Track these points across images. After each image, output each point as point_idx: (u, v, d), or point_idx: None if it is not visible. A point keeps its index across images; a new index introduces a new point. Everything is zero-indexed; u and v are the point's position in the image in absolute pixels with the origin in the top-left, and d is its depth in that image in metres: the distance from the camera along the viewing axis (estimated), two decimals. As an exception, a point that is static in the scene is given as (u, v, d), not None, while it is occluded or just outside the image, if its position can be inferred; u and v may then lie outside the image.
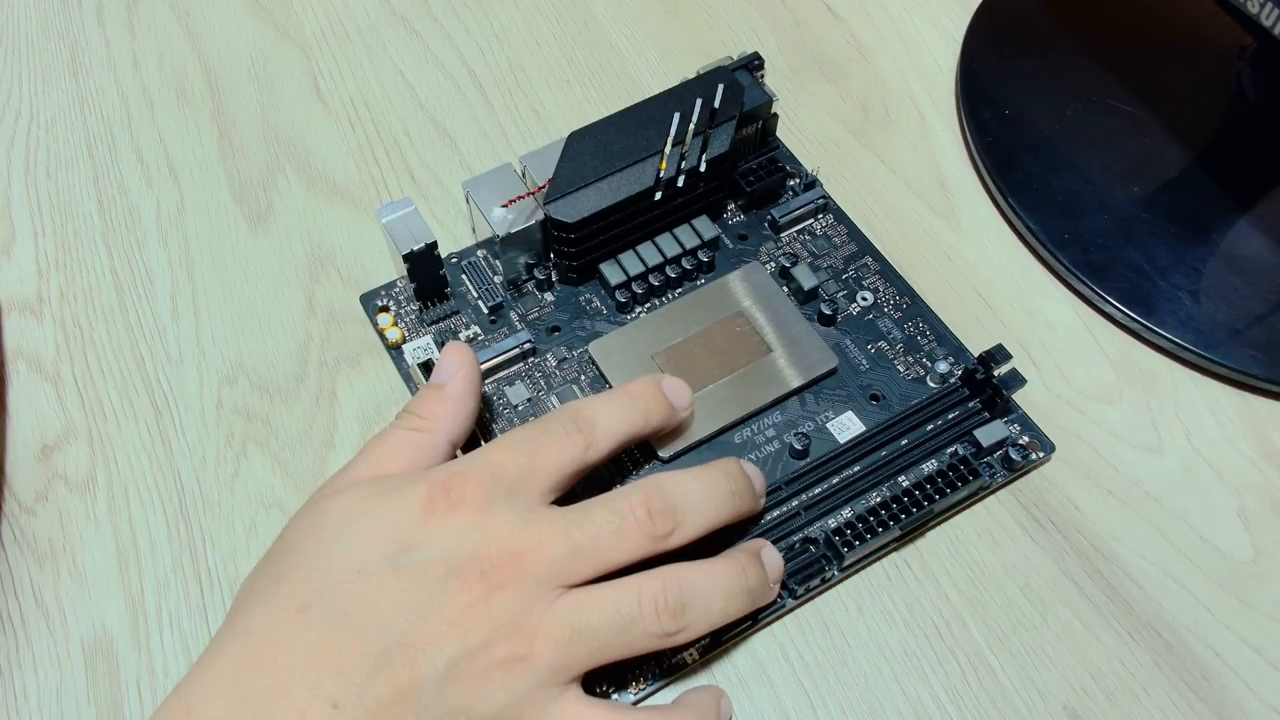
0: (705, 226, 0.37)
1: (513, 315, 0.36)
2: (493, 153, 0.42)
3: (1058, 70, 0.42)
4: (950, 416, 0.34)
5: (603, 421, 0.29)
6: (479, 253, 0.37)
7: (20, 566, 0.32)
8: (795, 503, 0.32)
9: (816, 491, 0.32)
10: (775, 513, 0.32)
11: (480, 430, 0.33)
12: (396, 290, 0.37)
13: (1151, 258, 0.37)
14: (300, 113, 0.43)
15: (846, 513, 0.32)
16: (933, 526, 0.32)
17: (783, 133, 0.41)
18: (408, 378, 0.35)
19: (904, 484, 0.33)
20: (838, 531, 0.31)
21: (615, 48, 0.45)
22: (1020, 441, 0.33)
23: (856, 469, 0.33)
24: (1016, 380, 0.33)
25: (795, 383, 0.34)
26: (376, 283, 0.37)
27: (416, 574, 0.25)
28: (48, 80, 0.44)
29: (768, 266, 0.37)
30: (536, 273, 0.36)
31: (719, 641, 0.30)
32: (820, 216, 0.39)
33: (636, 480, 0.30)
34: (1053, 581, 0.32)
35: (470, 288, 0.37)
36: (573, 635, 0.25)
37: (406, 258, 0.33)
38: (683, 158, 0.35)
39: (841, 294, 0.37)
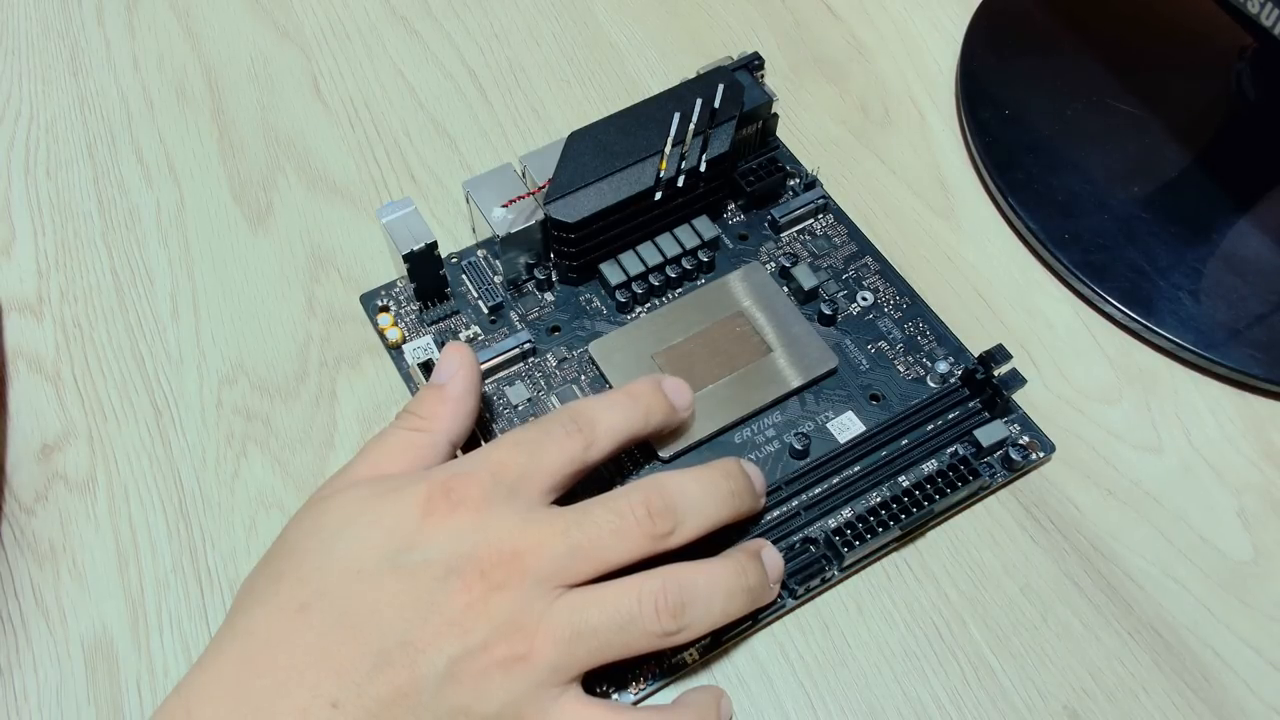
0: (705, 226, 0.37)
1: (513, 315, 0.36)
2: (493, 153, 0.42)
3: (1058, 70, 0.42)
4: (950, 416, 0.34)
5: (603, 421, 0.29)
6: (479, 253, 0.37)
7: (20, 566, 0.32)
8: (795, 503, 0.32)
9: (816, 491, 0.32)
10: (775, 513, 0.32)
11: (480, 430, 0.33)
12: (396, 290, 0.37)
13: (1151, 258, 0.37)
14: (300, 113, 0.43)
15: (846, 513, 0.32)
16: (933, 526, 0.32)
17: (783, 133, 0.41)
18: (408, 378, 0.35)
19: (904, 484, 0.33)
20: (838, 531, 0.31)
21: (615, 48, 0.45)
22: (1020, 441, 0.33)
23: (856, 469, 0.33)
24: (1016, 380, 0.33)
25: (795, 383, 0.34)
26: (376, 283, 0.37)
27: (416, 574, 0.25)
28: (48, 80, 0.44)
29: (768, 266, 0.37)
30: (536, 273, 0.36)
31: (719, 641, 0.30)
32: (820, 216, 0.39)
33: (636, 480, 0.30)
34: (1053, 581, 0.32)
35: (470, 288, 0.37)
36: (573, 635, 0.25)
37: (406, 258, 0.33)
38: (683, 158, 0.35)
39: (841, 294, 0.37)
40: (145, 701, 0.30)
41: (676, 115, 0.35)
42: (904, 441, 0.33)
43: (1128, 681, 0.30)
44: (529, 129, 0.42)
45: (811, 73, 0.44)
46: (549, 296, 0.37)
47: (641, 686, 0.29)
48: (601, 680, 0.29)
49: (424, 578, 0.25)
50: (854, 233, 0.38)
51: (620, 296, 0.36)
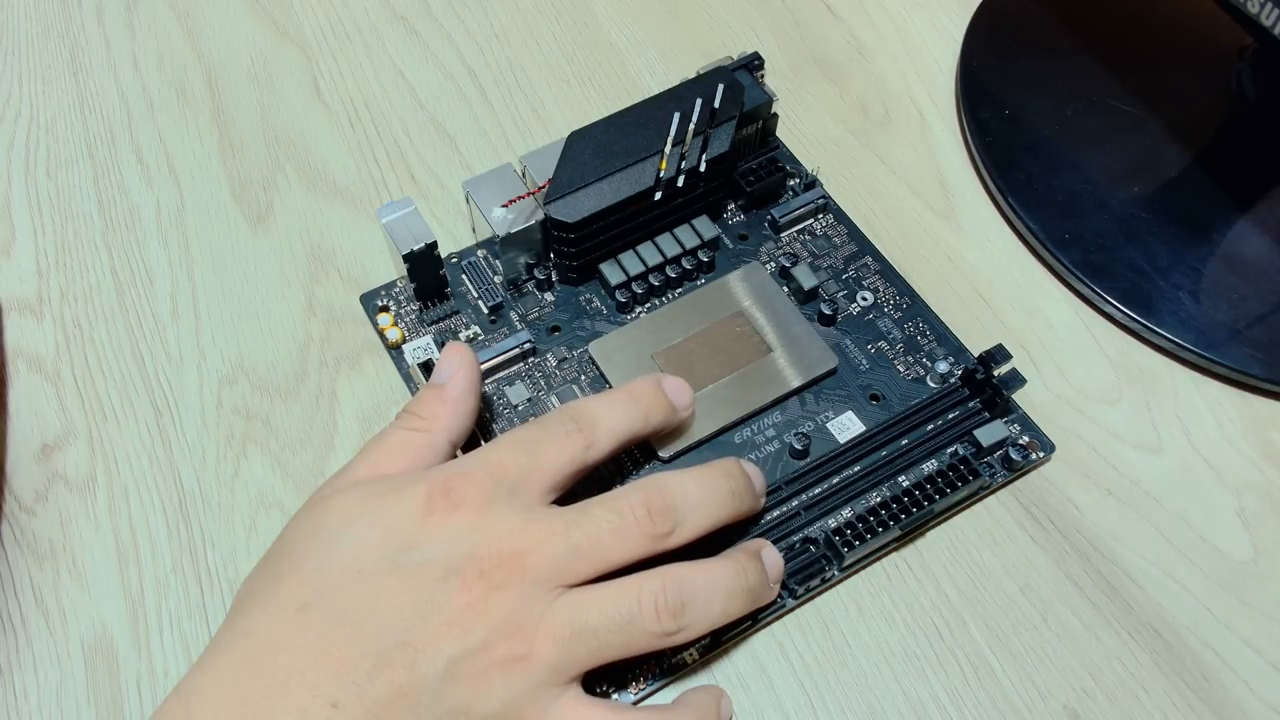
0: (705, 226, 0.37)
1: (513, 315, 0.36)
2: (493, 153, 0.42)
3: (1058, 70, 0.42)
4: (950, 416, 0.34)
5: (603, 421, 0.29)
6: (479, 253, 0.37)
7: (20, 566, 0.32)
8: (795, 503, 0.32)
9: (816, 491, 0.32)
10: (775, 513, 0.32)
11: (480, 430, 0.33)
12: (396, 290, 0.37)
13: (1151, 258, 0.37)
14: (300, 113, 0.43)
15: (846, 513, 0.32)
16: (933, 526, 0.32)
17: (783, 133, 0.41)
18: (408, 378, 0.35)
19: (904, 484, 0.33)
20: (838, 531, 0.31)
21: (615, 48, 0.45)
22: (1020, 441, 0.33)
23: (856, 469, 0.33)
24: (1016, 380, 0.33)
25: (795, 383, 0.34)
26: (376, 283, 0.37)
27: (416, 574, 0.25)
28: (48, 80, 0.44)
29: (768, 266, 0.37)
30: (536, 273, 0.36)
31: (719, 641, 0.30)
32: (820, 216, 0.39)
33: (636, 480, 0.30)
34: (1053, 581, 0.32)
35: (470, 288, 0.37)
36: (572, 635, 0.25)
37: (406, 258, 0.33)
38: (683, 158, 0.35)
39: (841, 294, 0.37)
40: (145, 701, 0.30)
41: (676, 115, 0.35)
42: (904, 441, 0.33)
43: (1128, 681, 0.30)
44: (529, 129, 0.42)
45: (811, 73, 0.44)
46: (549, 296, 0.37)
47: (641, 686, 0.29)
48: (601, 680, 0.29)
49: (424, 578, 0.25)
50: (854, 233, 0.38)
51: (620, 296, 0.36)
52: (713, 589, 0.27)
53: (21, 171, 0.41)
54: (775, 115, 0.39)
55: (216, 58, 0.45)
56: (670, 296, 0.37)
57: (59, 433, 0.35)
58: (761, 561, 0.29)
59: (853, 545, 0.30)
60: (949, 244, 0.39)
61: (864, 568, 0.32)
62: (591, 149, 0.35)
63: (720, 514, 0.28)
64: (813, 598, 0.31)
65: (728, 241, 0.38)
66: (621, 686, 0.29)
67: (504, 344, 0.34)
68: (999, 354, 0.33)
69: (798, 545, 0.31)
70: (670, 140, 0.35)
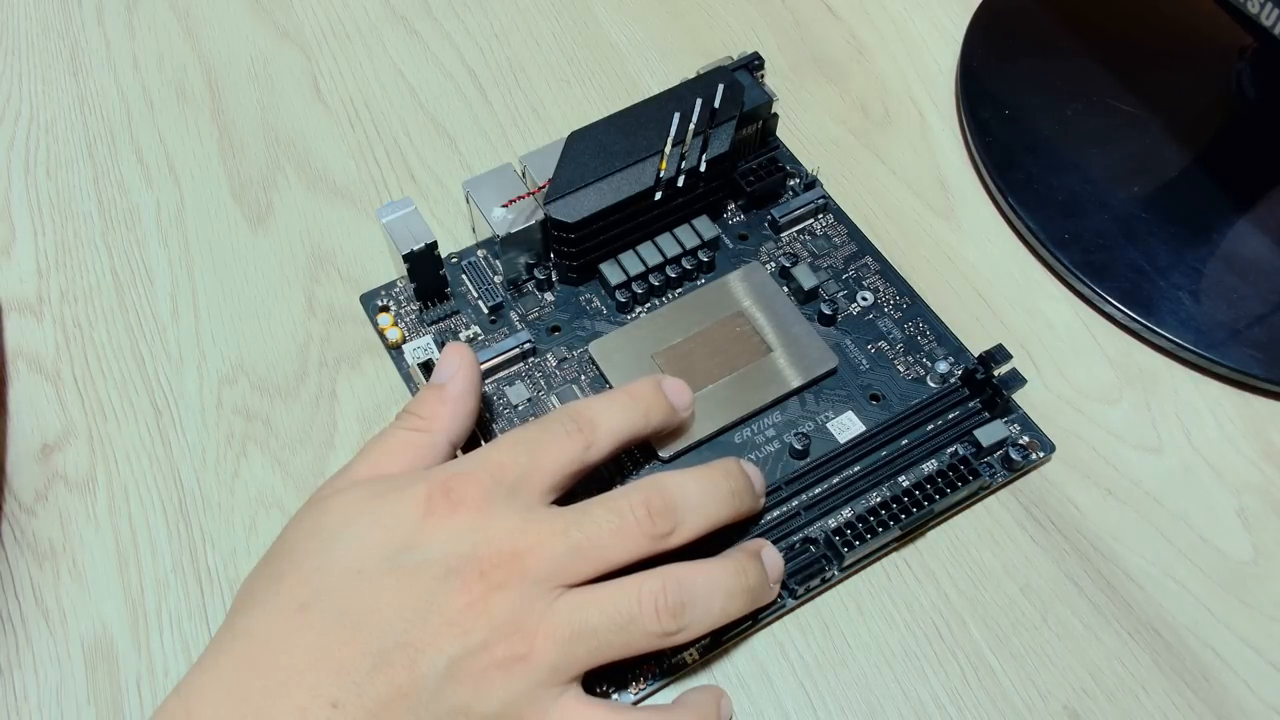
0: (705, 226, 0.37)
1: (513, 315, 0.36)
2: (493, 153, 0.42)
3: (1058, 70, 0.42)
4: (950, 416, 0.34)
5: (603, 421, 0.29)
6: (479, 253, 0.37)
7: (20, 566, 0.32)
8: (795, 503, 0.32)
9: (816, 491, 0.32)
10: (775, 513, 0.32)
11: (480, 430, 0.33)
12: (396, 290, 0.37)
13: (1151, 258, 0.37)
14: (300, 113, 0.43)
15: (846, 513, 0.32)
16: (933, 526, 0.32)
17: (783, 133, 0.41)
18: (408, 378, 0.35)
19: (904, 484, 0.33)
20: (838, 531, 0.31)
21: (615, 48, 0.45)
22: (1020, 441, 0.33)
23: (856, 469, 0.33)
24: (1016, 380, 0.33)
25: (795, 383, 0.34)
26: (376, 283, 0.37)
27: (416, 574, 0.25)
28: (48, 80, 0.44)
29: (768, 266, 0.37)
30: (536, 273, 0.36)
31: (719, 641, 0.30)
32: (820, 216, 0.39)
33: (636, 480, 0.30)
34: (1053, 581, 0.32)
35: (470, 288, 0.37)
36: (572, 635, 0.25)
37: (406, 258, 0.33)
38: (683, 158, 0.35)
39: (841, 294, 0.37)
40: (145, 701, 0.30)
41: (676, 115, 0.35)
42: (904, 441, 0.33)
43: (1128, 681, 0.30)
44: (529, 129, 0.42)
45: (811, 73, 0.44)
46: (549, 296, 0.37)
47: (641, 686, 0.29)
48: (601, 680, 0.29)
49: (424, 578, 0.25)
50: (854, 233, 0.38)
51: (620, 296, 0.36)
52: (713, 589, 0.27)
53: (21, 171, 0.41)
54: (775, 115, 0.39)
55: (216, 58, 0.45)
56: (670, 296, 0.37)
57: (59, 433, 0.35)
58: (761, 561, 0.29)
59: (853, 545, 0.30)
60: (949, 244, 0.39)
61: (864, 568, 0.32)
62: (591, 149, 0.35)
63: (720, 514, 0.28)
64: (813, 598, 0.31)
65: (728, 241, 0.38)
66: (621, 686, 0.29)
67: (504, 344, 0.34)
68: (999, 354, 0.33)
69: (798, 545, 0.31)
70: (670, 140, 0.35)
